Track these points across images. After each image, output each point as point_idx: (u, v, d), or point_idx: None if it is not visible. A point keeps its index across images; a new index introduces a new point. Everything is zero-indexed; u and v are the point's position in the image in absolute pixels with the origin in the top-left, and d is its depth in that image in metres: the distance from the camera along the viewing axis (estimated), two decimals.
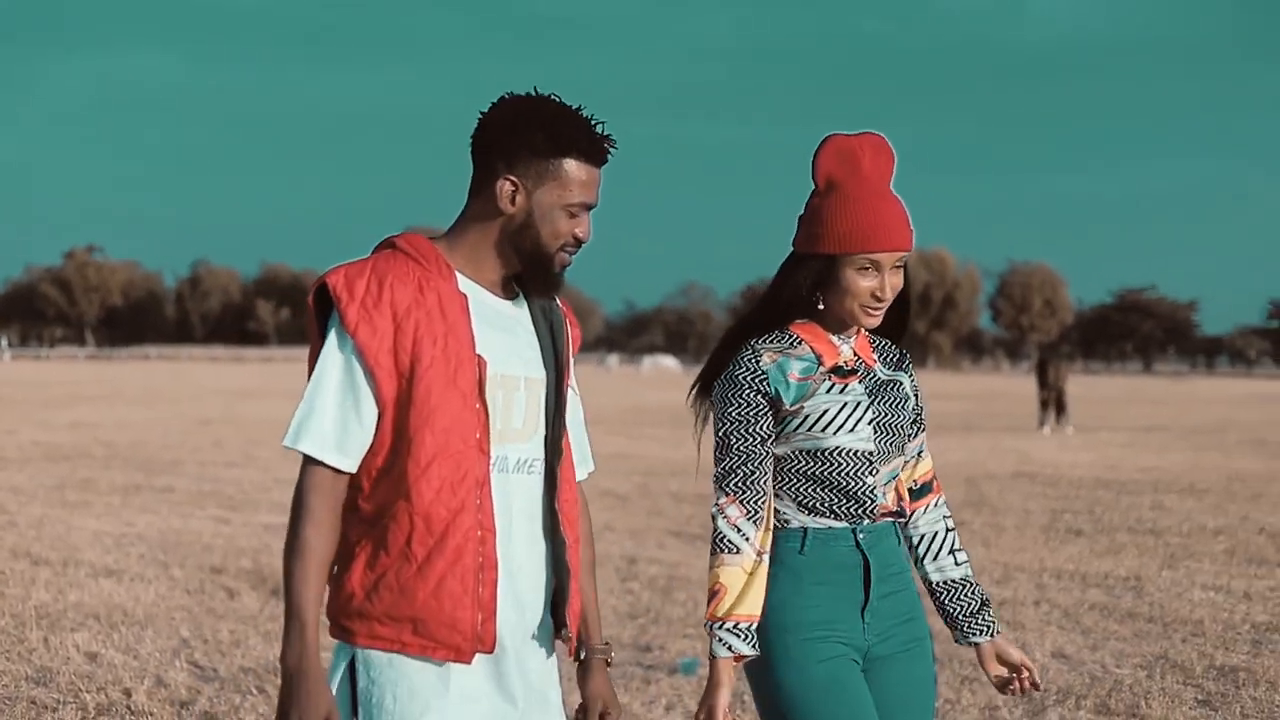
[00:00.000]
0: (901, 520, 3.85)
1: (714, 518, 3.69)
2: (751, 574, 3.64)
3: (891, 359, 3.91)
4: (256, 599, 10.41)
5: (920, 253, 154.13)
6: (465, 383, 3.21)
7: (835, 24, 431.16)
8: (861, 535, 3.74)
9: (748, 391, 3.71)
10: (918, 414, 3.93)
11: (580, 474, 3.54)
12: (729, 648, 3.58)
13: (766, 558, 3.68)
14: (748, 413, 3.70)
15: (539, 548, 3.34)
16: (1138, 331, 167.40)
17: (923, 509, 3.93)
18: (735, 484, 3.68)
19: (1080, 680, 8.09)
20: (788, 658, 3.67)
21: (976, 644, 3.89)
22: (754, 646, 3.61)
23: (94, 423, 31.67)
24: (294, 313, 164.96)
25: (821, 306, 3.75)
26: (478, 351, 3.24)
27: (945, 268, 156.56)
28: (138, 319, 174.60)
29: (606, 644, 3.54)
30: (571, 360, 3.50)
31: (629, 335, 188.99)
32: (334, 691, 3.22)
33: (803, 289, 3.74)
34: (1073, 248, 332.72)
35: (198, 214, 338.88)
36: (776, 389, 3.71)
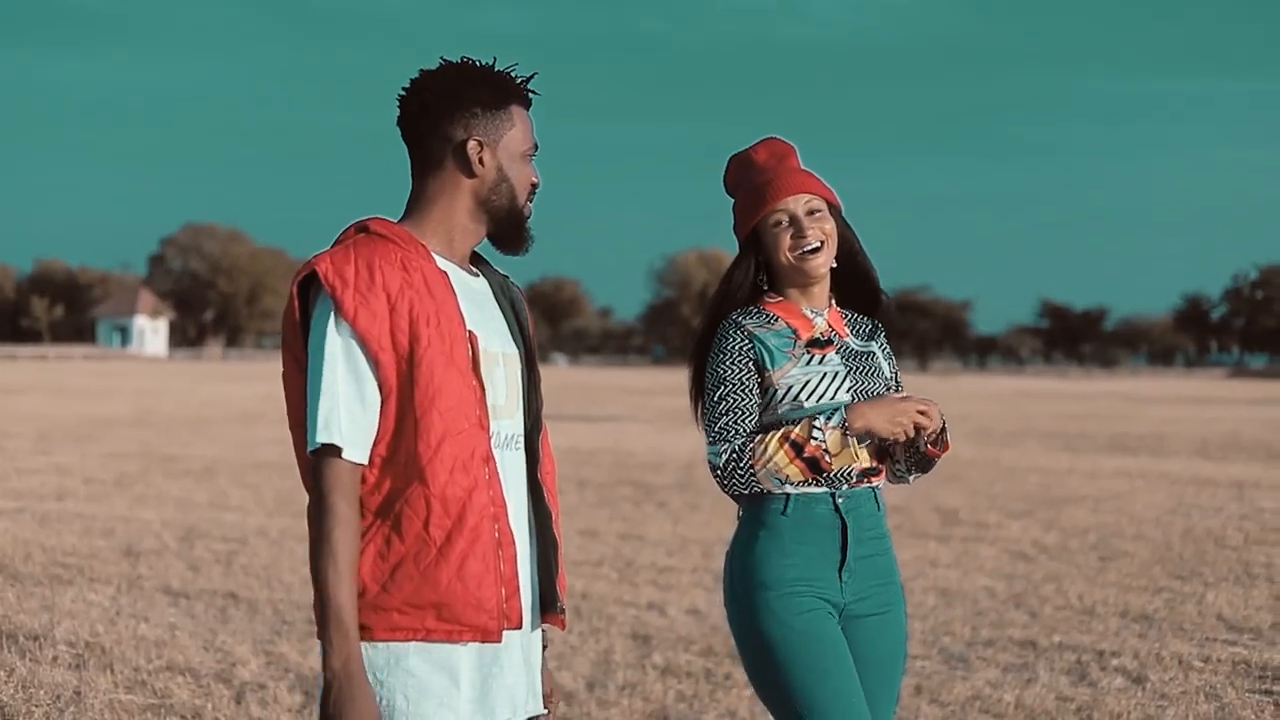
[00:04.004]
0: (880, 483, 3.99)
1: (711, 462, 3.84)
2: (768, 438, 3.78)
3: (864, 331, 4.07)
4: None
5: (699, 252, 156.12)
6: (461, 361, 3.16)
7: (613, 22, 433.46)
8: (840, 499, 3.87)
9: (738, 357, 3.87)
10: (893, 382, 4.07)
11: None
12: (830, 426, 3.76)
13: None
14: (740, 375, 3.86)
15: (526, 519, 3.33)
16: (914, 331, 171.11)
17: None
18: (731, 434, 3.83)
19: (703, 630, 9.09)
20: (768, 611, 3.82)
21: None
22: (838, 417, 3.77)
23: None
24: (68, 310, 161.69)
25: (766, 287, 3.98)
26: (468, 328, 3.21)
27: (723, 267, 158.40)
28: None
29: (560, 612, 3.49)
30: (534, 335, 3.48)
31: None
32: None
33: (747, 276, 3.96)
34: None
35: None
36: (762, 353, 3.87)
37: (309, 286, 3.19)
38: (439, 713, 3.13)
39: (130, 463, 20.71)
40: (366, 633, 3.11)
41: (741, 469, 3.80)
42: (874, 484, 3.96)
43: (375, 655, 3.12)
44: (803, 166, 4.00)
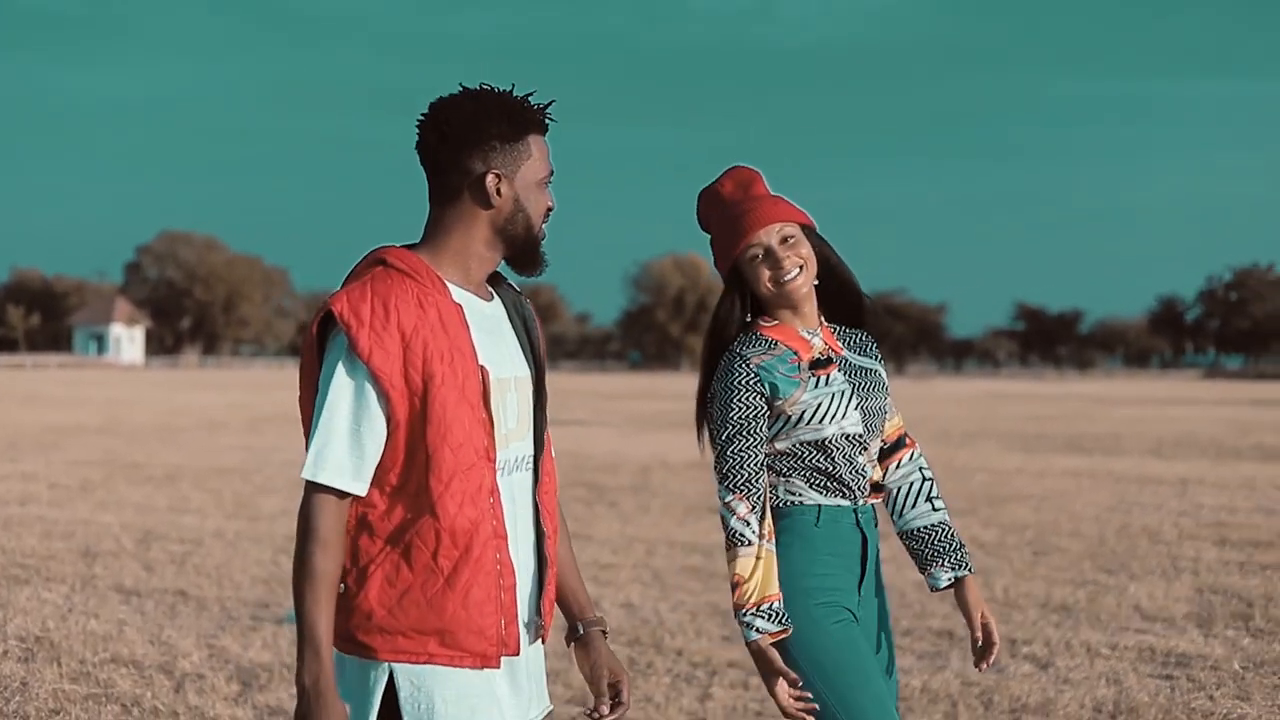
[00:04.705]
0: (881, 498, 4.13)
1: (723, 516, 3.91)
2: (761, 560, 3.87)
3: (858, 345, 4.16)
4: None
5: (675, 258, 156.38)
6: (472, 395, 3.23)
7: (588, 26, 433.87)
8: (860, 515, 4.02)
9: (745, 394, 3.94)
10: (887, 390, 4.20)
11: None
12: (758, 630, 3.83)
13: (772, 543, 3.91)
14: (747, 414, 3.93)
15: (530, 539, 3.41)
16: (889, 334, 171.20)
17: (896, 463, 4.18)
18: (741, 483, 3.90)
19: (633, 623, 9.45)
20: (809, 617, 3.92)
21: (956, 579, 4.13)
22: (784, 623, 3.85)
23: None
24: (44, 318, 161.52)
25: (749, 319, 4.07)
26: (480, 362, 3.27)
27: (699, 272, 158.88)
28: None
29: (599, 617, 3.60)
30: (545, 354, 3.56)
31: None
32: (374, 704, 3.24)
33: (734, 308, 4.05)
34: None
35: None
36: (771, 385, 3.95)
37: (326, 324, 3.26)
38: (488, 710, 3.25)
39: (95, 470, 21.00)
40: (375, 653, 3.21)
41: (726, 534, 3.91)
42: (877, 500, 4.11)
43: (405, 670, 3.22)
44: (769, 191, 4.09)
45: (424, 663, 3.22)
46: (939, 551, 4.13)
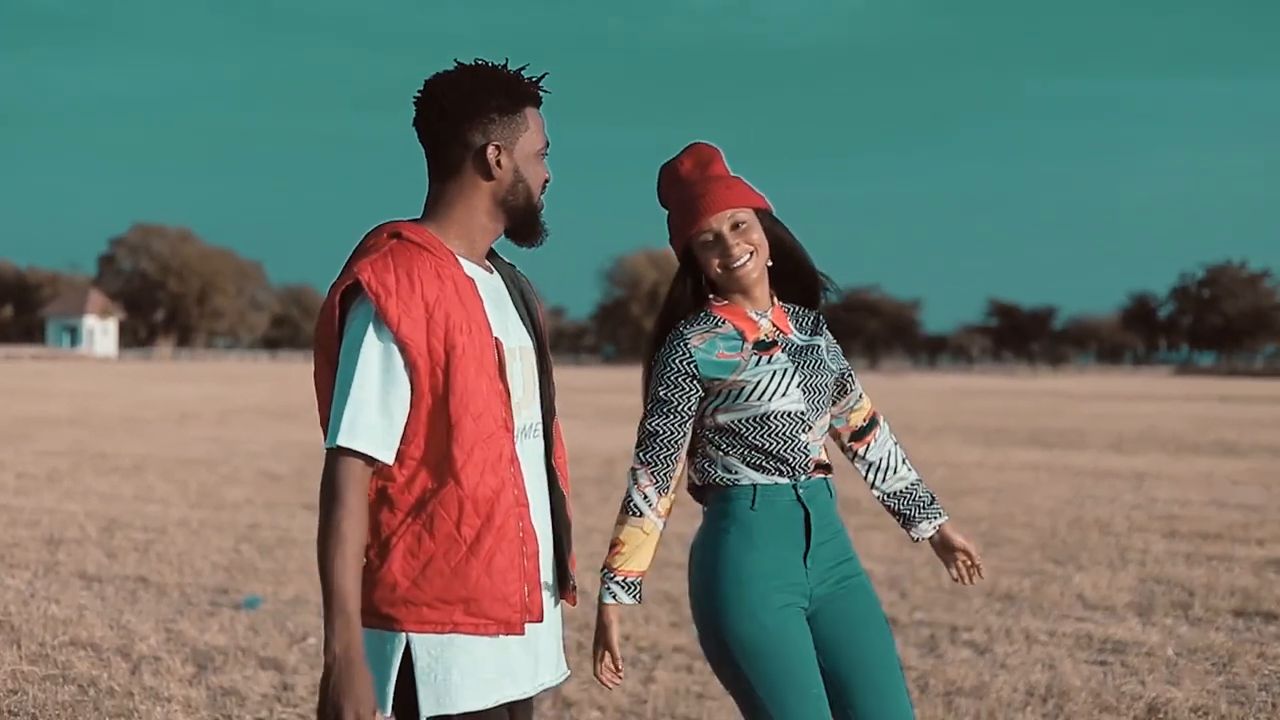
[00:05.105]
0: (832, 475, 4.14)
1: (628, 479, 4.00)
2: (647, 535, 3.95)
3: (807, 325, 4.20)
4: None
5: (649, 252, 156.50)
6: (490, 366, 3.30)
7: (569, 24, 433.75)
8: (801, 490, 4.04)
9: (676, 374, 4.00)
10: (842, 371, 4.26)
11: None
12: (614, 597, 3.90)
13: (664, 523, 3.99)
14: (674, 394, 4.00)
15: (545, 505, 3.49)
16: (864, 330, 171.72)
17: (874, 440, 4.32)
18: (651, 455, 3.98)
19: (585, 609, 9.64)
20: (742, 608, 3.95)
21: (935, 529, 4.28)
22: (636, 598, 3.93)
23: None
24: (17, 310, 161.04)
25: (711, 295, 4.11)
26: (494, 334, 3.35)
27: (673, 267, 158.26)
28: None
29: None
30: (545, 323, 3.63)
31: None
32: (390, 676, 3.27)
33: (686, 288, 4.09)
34: (807, 246, 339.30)
35: None
36: (705, 371, 4.01)
37: (350, 294, 3.28)
38: (500, 681, 3.32)
39: (62, 460, 21.11)
40: (397, 624, 3.24)
41: (624, 500, 4.00)
42: (827, 475, 4.13)
43: (423, 641, 3.26)
44: (728, 171, 4.11)
45: (448, 632, 3.25)
46: (919, 507, 4.30)
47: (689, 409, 4.02)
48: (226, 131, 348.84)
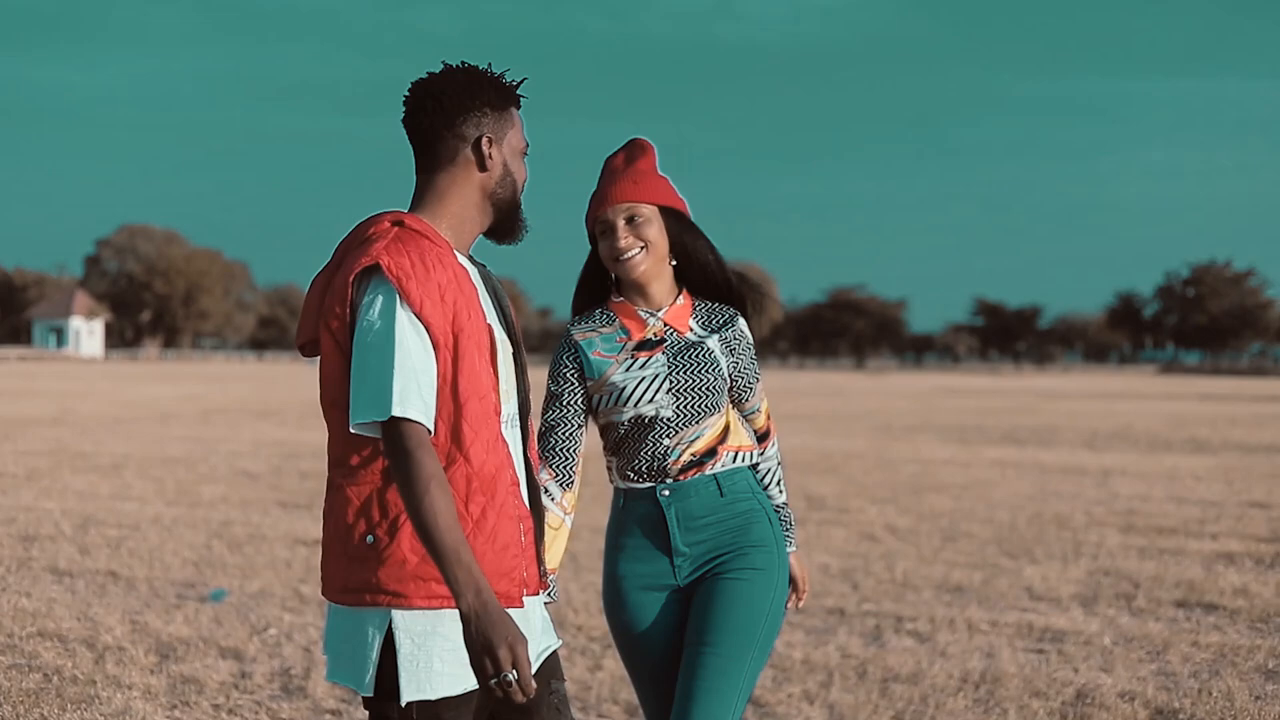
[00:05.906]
0: (719, 468, 4.19)
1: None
2: (556, 531, 4.02)
3: (716, 322, 4.22)
4: None
5: None
6: (485, 351, 3.40)
7: (550, 23, 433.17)
8: (667, 492, 4.15)
9: (560, 368, 4.15)
10: (737, 371, 4.23)
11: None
12: None
13: (571, 518, 4.08)
14: (561, 387, 4.15)
15: (527, 491, 3.58)
16: (850, 329, 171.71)
17: (762, 451, 4.36)
18: (547, 450, 4.11)
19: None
20: (614, 599, 4.23)
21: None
22: (550, 596, 3.94)
23: None
24: (3, 312, 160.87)
25: (615, 288, 4.23)
26: (488, 321, 3.44)
27: None
28: None
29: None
30: (516, 320, 3.69)
31: None
32: (370, 658, 3.31)
33: (591, 272, 4.24)
34: (784, 247, 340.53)
35: None
36: (584, 363, 4.15)
37: (364, 276, 3.34)
38: (471, 673, 3.32)
39: (43, 459, 21.30)
40: (405, 600, 3.29)
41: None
42: (710, 471, 4.18)
43: (413, 622, 3.30)
44: (654, 168, 4.16)
45: (451, 606, 3.29)
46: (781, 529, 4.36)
47: (575, 403, 4.14)
48: (213, 133, 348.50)
